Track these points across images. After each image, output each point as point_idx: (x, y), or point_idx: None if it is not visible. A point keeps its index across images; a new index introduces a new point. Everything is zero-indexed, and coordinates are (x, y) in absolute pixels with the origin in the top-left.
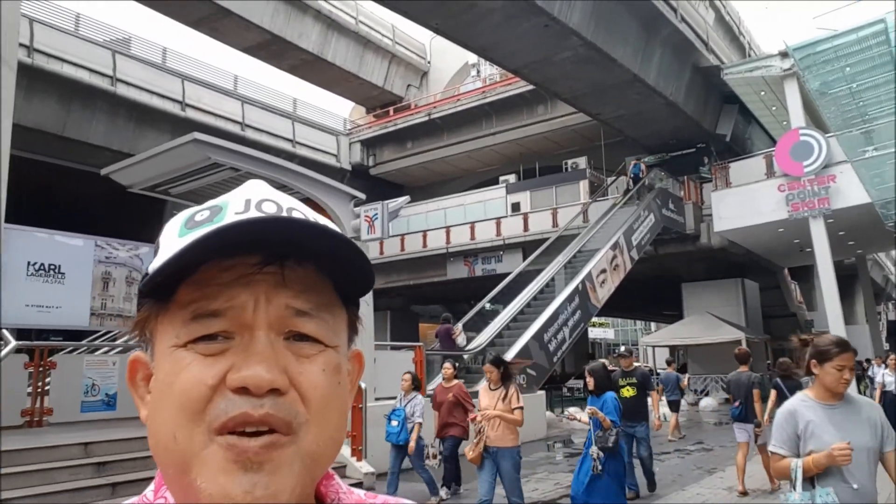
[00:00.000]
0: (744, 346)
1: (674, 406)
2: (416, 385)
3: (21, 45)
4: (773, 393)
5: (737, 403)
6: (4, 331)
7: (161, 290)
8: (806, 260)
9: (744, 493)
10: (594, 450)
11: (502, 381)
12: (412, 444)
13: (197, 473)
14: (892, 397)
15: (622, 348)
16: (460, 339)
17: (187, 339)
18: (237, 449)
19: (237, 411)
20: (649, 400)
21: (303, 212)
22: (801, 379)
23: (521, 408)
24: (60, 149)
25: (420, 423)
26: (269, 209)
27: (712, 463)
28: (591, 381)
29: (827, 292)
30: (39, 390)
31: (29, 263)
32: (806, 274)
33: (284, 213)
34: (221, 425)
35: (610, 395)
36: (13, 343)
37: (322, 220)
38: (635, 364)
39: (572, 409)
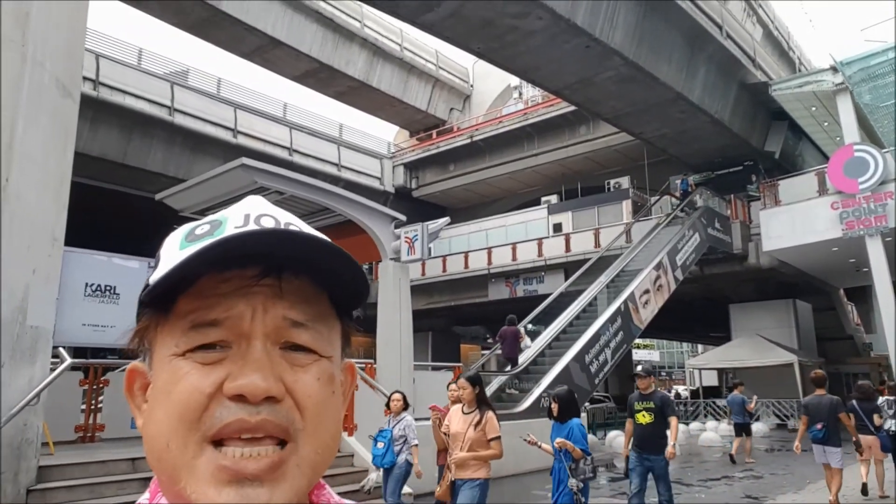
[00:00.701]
0: (812, 369)
1: (741, 429)
2: (407, 405)
3: (87, 78)
4: (851, 417)
5: (819, 426)
6: (61, 349)
7: (161, 301)
8: (863, 280)
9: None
10: (573, 483)
11: (477, 405)
12: (417, 469)
13: (186, 482)
14: None
15: (639, 368)
16: (525, 343)
17: (186, 349)
18: (231, 472)
19: (233, 418)
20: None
21: (299, 226)
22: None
23: (499, 437)
24: (121, 176)
25: (416, 446)
26: (268, 223)
27: (763, 491)
28: (555, 407)
29: (886, 314)
30: (93, 407)
31: (87, 285)
32: (863, 295)
33: (282, 227)
34: (217, 432)
35: (575, 422)
36: (69, 361)
37: (318, 235)
38: (653, 386)
39: (532, 436)
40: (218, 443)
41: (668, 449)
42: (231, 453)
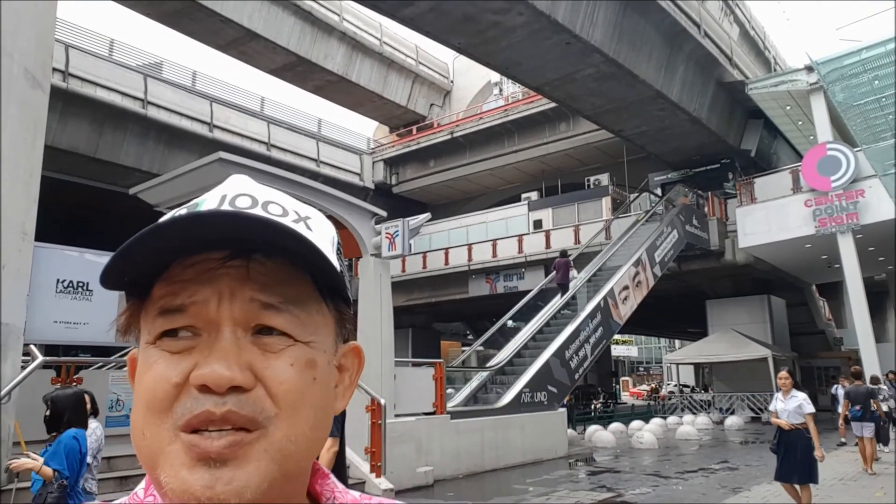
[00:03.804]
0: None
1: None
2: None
3: (56, 69)
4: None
5: (858, 408)
6: (32, 346)
7: (137, 289)
8: (835, 276)
9: (872, 473)
10: None
11: None
12: None
13: (162, 469)
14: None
15: None
16: (573, 273)
17: (155, 336)
18: (198, 449)
19: (200, 409)
20: None
21: (282, 204)
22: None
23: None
24: (93, 170)
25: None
26: (243, 203)
27: (738, 482)
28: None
29: (856, 309)
30: None
31: (58, 281)
32: (835, 291)
33: (259, 208)
34: (186, 423)
35: (69, 434)
36: (40, 358)
37: (298, 210)
38: None
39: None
40: (192, 431)
41: None
42: (199, 436)
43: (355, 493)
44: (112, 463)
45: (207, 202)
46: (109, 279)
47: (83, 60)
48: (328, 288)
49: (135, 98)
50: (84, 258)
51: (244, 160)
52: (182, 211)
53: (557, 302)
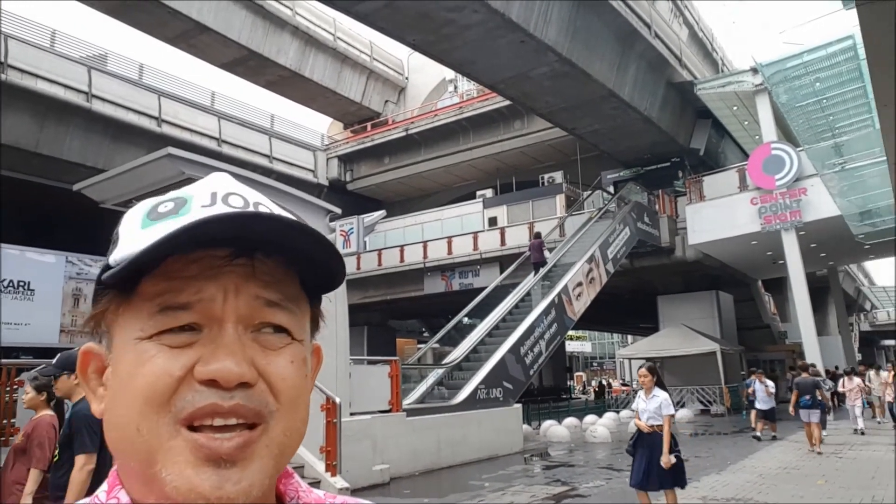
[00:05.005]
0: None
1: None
2: None
3: None
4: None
5: (808, 397)
6: None
7: (123, 283)
8: (779, 272)
9: (819, 452)
10: None
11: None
12: None
13: (162, 465)
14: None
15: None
16: (546, 253)
17: (153, 332)
18: (207, 450)
19: (205, 402)
20: None
21: (268, 206)
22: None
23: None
24: (35, 165)
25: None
26: (236, 203)
27: (688, 473)
28: None
29: (800, 304)
30: (6, 409)
31: None
32: (779, 286)
33: (251, 208)
34: (189, 416)
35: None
36: None
37: (289, 216)
38: None
39: None
40: (193, 428)
41: None
42: (206, 437)
43: (319, 493)
44: None
45: (197, 198)
46: (123, 274)
47: (23, 51)
48: (314, 288)
49: (78, 91)
50: (25, 256)
51: (194, 156)
52: (168, 204)
53: (531, 280)
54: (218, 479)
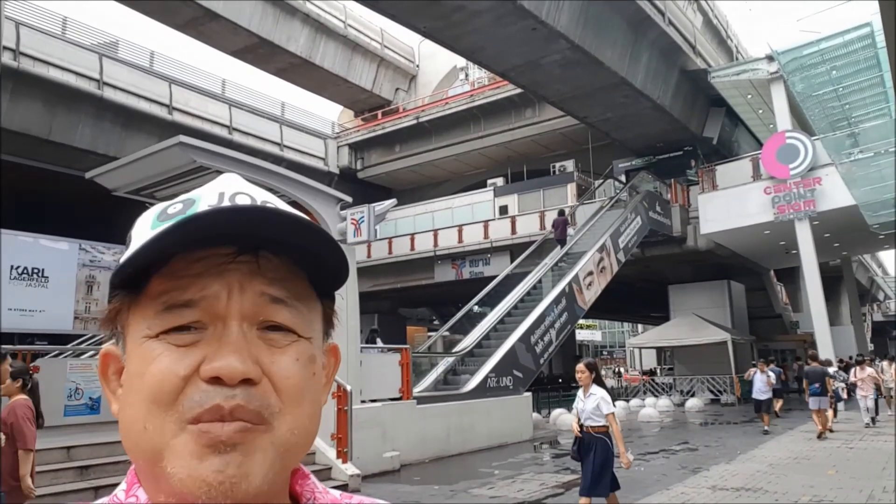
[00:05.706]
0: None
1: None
2: None
3: (6, 48)
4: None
5: (817, 385)
6: None
7: (133, 282)
8: (792, 262)
9: (825, 437)
10: None
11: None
12: None
13: (168, 461)
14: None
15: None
16: (570, 231)
17: (159, 330)
18: (210, 435)
19: (211, 403)
20: None
21: (276, 205)
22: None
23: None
24: (46, 153)
25: None
26: (243, 202)
27: (697, 462)
28: None
29: (812, 294)
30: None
31: (12, 267)
32: (792, 276)
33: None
34: (195, 417)
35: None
36: None
37: (296, 213)
38: None
39: None
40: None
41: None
42: (207, 424)
43: (335, 493)
44: (72, 453)
45: (205, 198)
46: (130, 273)
47: (35, 39)
48: (324, 286)
49: (90, 78)
50: (39, 244)
51: (205, 144)
52: (178, 205)
53: (556, 254)
54: (220, 462)
